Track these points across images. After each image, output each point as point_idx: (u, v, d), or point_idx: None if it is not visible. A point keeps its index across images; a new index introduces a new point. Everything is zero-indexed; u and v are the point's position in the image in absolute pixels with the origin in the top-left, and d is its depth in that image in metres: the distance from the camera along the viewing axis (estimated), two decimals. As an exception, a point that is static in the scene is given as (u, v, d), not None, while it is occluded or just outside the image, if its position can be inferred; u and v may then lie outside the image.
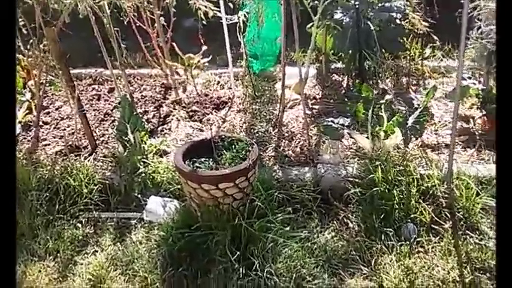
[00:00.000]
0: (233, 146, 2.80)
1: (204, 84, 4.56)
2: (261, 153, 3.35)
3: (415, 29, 4.14)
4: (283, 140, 3.49)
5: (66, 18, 3.21)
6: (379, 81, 4.21)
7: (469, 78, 3.42)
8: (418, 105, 3.78)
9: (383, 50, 4.04)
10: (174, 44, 2.57)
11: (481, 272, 2.28)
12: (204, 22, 3.96)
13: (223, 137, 2.88)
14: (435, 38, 3.98)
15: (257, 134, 3.61)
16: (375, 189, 2.59)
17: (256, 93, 4.25)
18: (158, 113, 4.15)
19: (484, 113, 3.26)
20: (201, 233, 2.53)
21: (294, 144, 3.41)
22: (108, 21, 3.11)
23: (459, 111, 3.65)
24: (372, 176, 2.64)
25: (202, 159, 2.78)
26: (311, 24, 4.25)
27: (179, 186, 2.95)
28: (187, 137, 3.68)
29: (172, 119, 4.01)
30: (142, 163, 3.15)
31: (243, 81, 4.51)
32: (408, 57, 4.40)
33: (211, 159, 2.77)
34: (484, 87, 3.37)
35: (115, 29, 3.19)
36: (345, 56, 4.24)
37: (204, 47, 2.59)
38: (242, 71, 4.59)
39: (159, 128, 3.89)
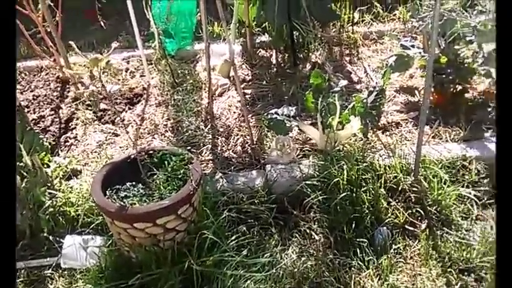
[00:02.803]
0: (166, 162, 2.25)
1: (113, 67, 3.83)
2: (196, 157, 2.83)
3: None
4: (219, 138, 2.99)
5: None
6: (310, 54, 3.84)
7: (412, 46, 3.15)
8: (359, 79, 3.50)
9: (312, 19, 3.64)
10: (71, 43, 1.89)
11: (466, 273, 2.06)
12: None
13: (151, 151, 2.31)
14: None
15: (187, 133, 3.05)
16: (342, 194, 2.23)
17: (176, 80, 3.65)
18: (58, 116, 3.39)
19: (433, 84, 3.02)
20: (142, 282, 2.01)
21: (233, 142, 2.93)
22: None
23: (400, 82, 3.43)
24: (336, 179, 2.27)
25: (128, 185, 2.20)
26: (231, -7, 3.72)
27: (101, 218, 2.35)
28: (100, 147, 3.03)
29: (77, 124, 3.29)
30: (48, 194, 2.47)
31: (158, 66, 3.86)
32: (338, 25, 4.05)
33: (140, 184, 2.20)
34: (426, 55, 3.11)
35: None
36: (272, 28, 3.77)
37: (115, 44, 1.95)
38: (154, 53, 3.92)
39: (62, 138, 3.16)
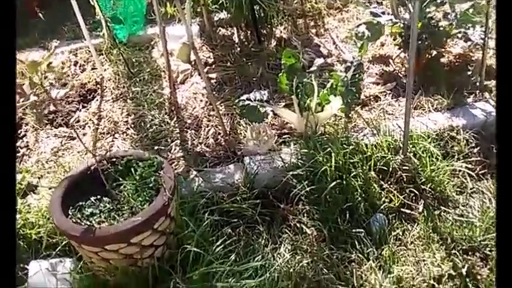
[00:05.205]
0: (133, 170, 1.98)
1: (56, 70, 3.44)
2: (165, 155, 2.58)
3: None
4: (188, 131, 2.73)
5: None
6: (274, 29, 3.59)
7: (383, 13, 2.95)
8: (329, 52, 3.30)
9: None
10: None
11: (471, 253, 1.95)
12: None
13: (113, 159, 2.03)
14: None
15: (151, 129, 2.77)
16: (331, 183, 2.05)
17: (132, 70, 3.32)
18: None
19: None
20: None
21: (204, 134, 2.68)
22: None
23: (372, 52, 3.25)
24: (323, 167, 2.08)
25: (93, 199, 1.94)
26: (181, -31, 3.38)
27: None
28: (56, 154, 2.71)
29: (26, 130, 2.93)
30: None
31: (110, 56, 3.51)
32: (298, -6, 3.80)
33: (106, 197, 1.94)
34: (398, 21, 2.93)
35: None
36: (230, 4, 3.48)
37: (55, 43, 1.64)
38: (104, 42, 3.56)
39: (11, 148, 2.80)
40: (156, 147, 2.56)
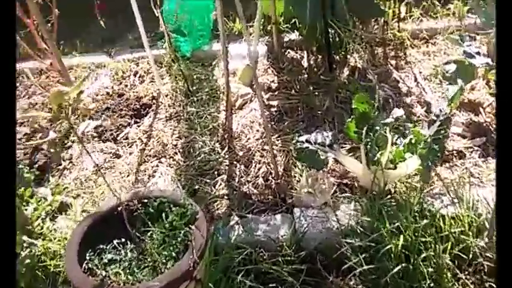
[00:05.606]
0: (164, 215, 1.74)
1: (115, 77, 3.33)
2: (208, 189, 2.33)
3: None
4: (238, 165, 2.46)
5: None
6: (348, 56, 3.23)
7: (478, 53, 2.51)
8: (409, 90, 2.90)
9: (351, 14, 3.05)
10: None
11: None
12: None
13: (145, 199, 1.80)
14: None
15: (199, 157, 2.54)
16: (395, 266, 1.67)
17: (191, 88, 3.12)
18: (54, 131, 2.92)
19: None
20: None
21: (253, 172, 2.40)
22: None
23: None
24: (388, 246, 1.70)
25: (116, 243, 1.72)
26: (254, -16, 3.14)
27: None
28: (97, 172, 2.55)
29: (73, 141, 2.82)
30: (25, 242, 2.01)
31: (170, 70, 3.34)
32: (380, 21, 3.40)
33: (130, 242, 1.71)
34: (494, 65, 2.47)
35: None
36: (303, 26, 3.19)
37: (86, 72, 1.44)
38: (166, 54, 3.40)
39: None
40: (197, 186, 2.32)
